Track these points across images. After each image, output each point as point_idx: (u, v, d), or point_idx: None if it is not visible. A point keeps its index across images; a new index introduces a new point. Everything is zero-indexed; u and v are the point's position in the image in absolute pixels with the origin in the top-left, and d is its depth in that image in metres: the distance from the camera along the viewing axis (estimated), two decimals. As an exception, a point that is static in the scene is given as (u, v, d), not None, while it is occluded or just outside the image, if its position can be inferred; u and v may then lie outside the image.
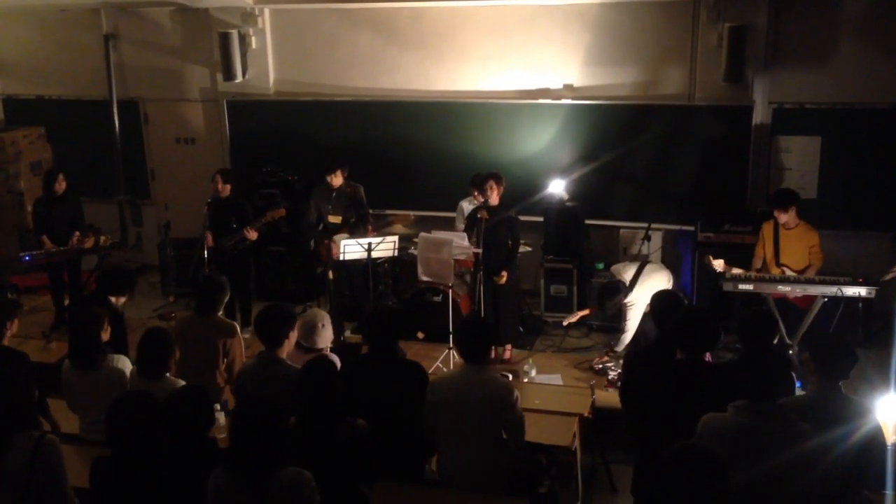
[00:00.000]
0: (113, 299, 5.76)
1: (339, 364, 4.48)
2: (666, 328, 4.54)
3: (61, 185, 7.97)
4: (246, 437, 3.28)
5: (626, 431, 4.81)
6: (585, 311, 7.34)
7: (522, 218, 7.36)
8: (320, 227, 7.64)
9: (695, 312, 4.87)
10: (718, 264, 6.75)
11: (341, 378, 3.96)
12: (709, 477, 2.93)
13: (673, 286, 7.21)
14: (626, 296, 6.69)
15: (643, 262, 6.96)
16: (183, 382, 4.54)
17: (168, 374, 4.58)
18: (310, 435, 3.74)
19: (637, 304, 6.65)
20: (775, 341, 4.55)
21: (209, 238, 7.63)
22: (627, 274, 6.81)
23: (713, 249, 7.40)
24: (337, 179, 7.43)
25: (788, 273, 6.70)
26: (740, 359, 3.85)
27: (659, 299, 4.96)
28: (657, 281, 6.79)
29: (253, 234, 7.65)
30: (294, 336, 4.75)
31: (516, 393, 4.34)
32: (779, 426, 3.53)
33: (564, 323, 7.43)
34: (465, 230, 7.16)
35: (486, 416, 4.23)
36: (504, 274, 6.87)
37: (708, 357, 4.72)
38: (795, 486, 3.46)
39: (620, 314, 6.84)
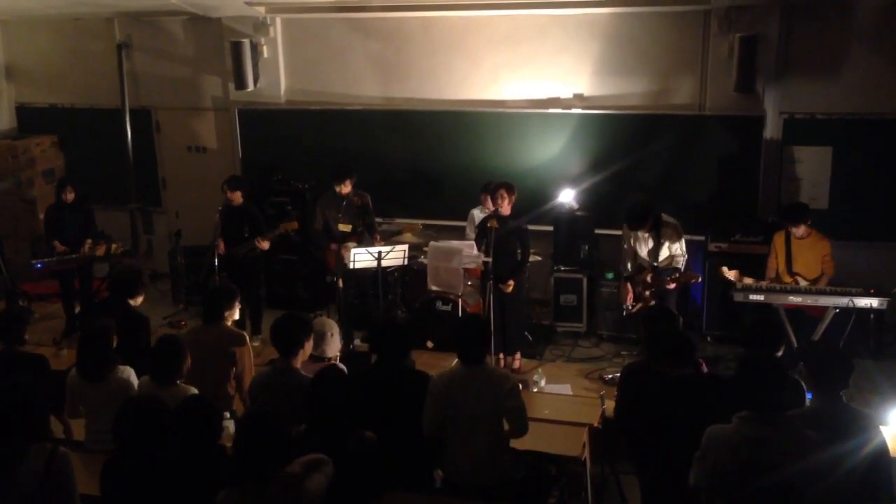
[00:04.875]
0: (131, 302, 5.78)
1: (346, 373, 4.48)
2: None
3: (69, 196, 8.01)
4: (248, 446, 3.32)
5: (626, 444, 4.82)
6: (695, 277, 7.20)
7: (532, 227, 7.35)
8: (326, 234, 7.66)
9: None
10: (732, 274, 6.73)
11: (352, 388, 3.96)
12: None
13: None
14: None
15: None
16: (194, 390, 4.56)
17: (180, 382, 4.60)
18: (319, 444, 3.75)
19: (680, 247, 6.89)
20: (780, 352, 4.51)
21: (220, 245, 7.66)
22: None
23: (724, 259, 7.39)
24: (346, 188, 7.44)
25: (802, 282, 6.68)
26: (739, 368, 3.81)
27: (650, 316, 5.00)
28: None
29: (265, 245, 7.66)
30: (309, 345, 4.75)
31: (514, 381, 4.40)
32: (784, 436, 3.52)
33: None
34: (476, 239, 7.16)
35: (485, 409, 4.28)
36: (511, 283, 6.86)
37: (704, 367, 4.73)
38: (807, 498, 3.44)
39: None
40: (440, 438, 4.41)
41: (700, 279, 7.28)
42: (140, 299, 5.92)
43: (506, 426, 4.39)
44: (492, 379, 4.35)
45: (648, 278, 6.94)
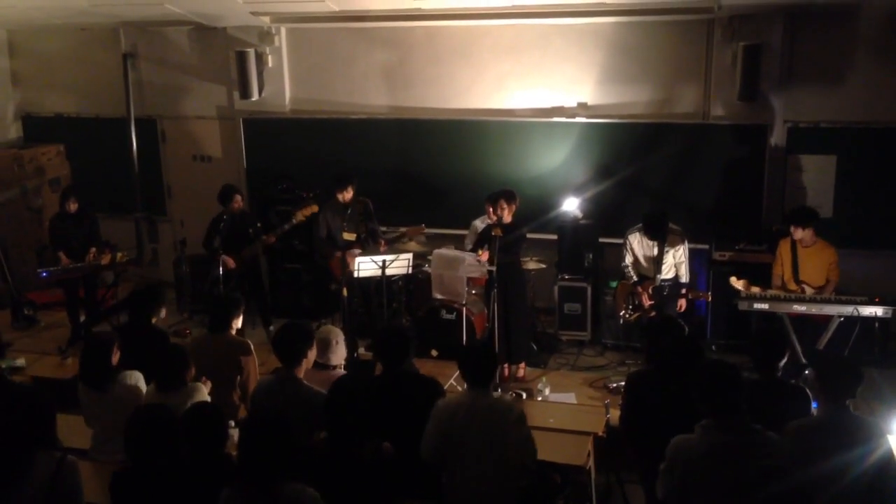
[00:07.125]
0: (154, 320, 5.77)
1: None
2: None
3: (72, 206, 8.04)
4: (253, 449, 3.32)
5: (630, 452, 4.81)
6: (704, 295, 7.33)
7: (537, 236, 7.37)
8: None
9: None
10: (741, 284, 6.73)
11: (367, 399, 3.96)
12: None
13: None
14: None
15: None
16: (202, 385, 4.58)
17: (186, 384, 4.61)
18: (335, 454, 3.75)
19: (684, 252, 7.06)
20: (783, 361, 4.51)
21: (230, 262, 7.70)
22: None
23: (728, 268, 7.38)
24: (348, 195, 7.47)
25: (808, 290, 6.67)
26: (695, 377, 3.79)
27: (654, 324, 5.00)
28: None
29: (272, 239, 7.88)
30: (313, 354, 4.75)
31: (519, 410, 4.29)
32: (747, 441, 3.53)
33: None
34: (473, 248, 7.15)
35: (490, 440, 4.19)
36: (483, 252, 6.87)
37: None
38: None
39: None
40: (440, 464, 4.33)
41: (710, 297, 7.29)
42: (164, 314, 5.93)
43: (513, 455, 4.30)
44: (497, 410, 4.24)
45: (650, 289, 6.95)
